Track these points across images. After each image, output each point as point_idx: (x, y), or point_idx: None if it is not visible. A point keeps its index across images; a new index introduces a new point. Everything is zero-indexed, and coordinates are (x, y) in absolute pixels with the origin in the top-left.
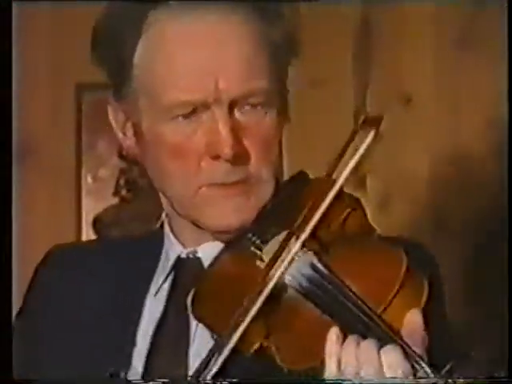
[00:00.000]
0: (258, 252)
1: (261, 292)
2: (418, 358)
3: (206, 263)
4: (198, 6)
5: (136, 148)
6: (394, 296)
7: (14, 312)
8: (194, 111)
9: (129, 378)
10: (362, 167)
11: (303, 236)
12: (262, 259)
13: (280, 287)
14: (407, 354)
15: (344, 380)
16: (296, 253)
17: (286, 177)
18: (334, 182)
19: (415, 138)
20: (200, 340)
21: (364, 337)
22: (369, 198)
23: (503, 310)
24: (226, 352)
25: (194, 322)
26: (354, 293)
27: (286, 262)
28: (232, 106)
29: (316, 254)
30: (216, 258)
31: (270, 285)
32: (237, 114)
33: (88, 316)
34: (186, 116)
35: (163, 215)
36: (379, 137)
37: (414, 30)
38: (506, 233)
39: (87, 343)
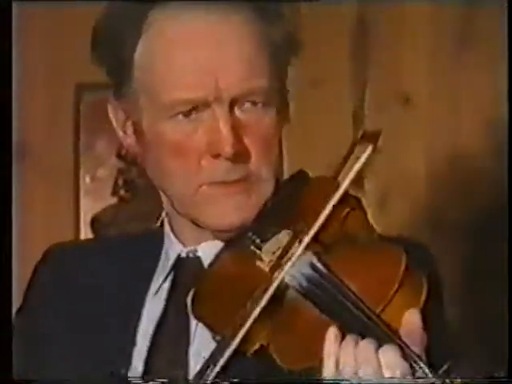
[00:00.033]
0: (258, 251)
1: (264, 292)
2: (416, 358)
3: (206, 262)
4: (198, 6)
5: (136, 147)
6: (393, 295)
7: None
8: (194, 109)
9: (129, 378)
10: (361, 170)
11: (306, 239)
12: (261, 258)
13: (282, 287)
14: (405, 353)
15: (342, 380)
16: (299, 255)
17: (285, 176)
18: (337, 183)
19: (414, 138)
20: (200, 339)
21: (363, 336)
22: (367, 197)
23: (503, 309)
24: (228, 352)
25: (193, 322)
26: (353, 292)
27: (289, 265)
28: (232, 104)
29: (316, 253)
30: (216, 257)
31: (273, 286)
32: (237, 112)
33: (88, 315)
34: (186, 114)
35: (163, 214)
36: (377, 151)
37: (412, 30)
38: (506, 233)
39: (87, 343)
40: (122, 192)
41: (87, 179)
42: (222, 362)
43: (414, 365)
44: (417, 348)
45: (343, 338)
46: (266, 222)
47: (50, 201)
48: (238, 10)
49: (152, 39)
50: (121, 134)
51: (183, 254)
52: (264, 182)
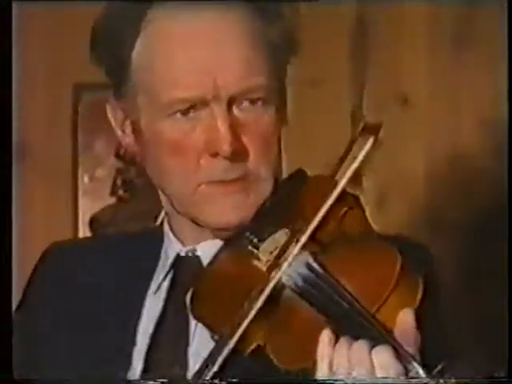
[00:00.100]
0: (255, 251)
1: (261, 292)
2: (409, 358)
3: (205, 261)
4: (197, 5)
5: (135, 146)
6: (388, 295)
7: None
8: (192, 108)
9: (128, 378)
10: (360, 168)
11: (303, 239)
12: (258, 258)
13: (278, 287)
14: (399, 353)
15: (336, 380)
16: (295, 255)
17: (285, 176)
18: (335, 182)
19: (413, 138)
20: (199, 339)
21: (358, 337)
22: (366, 196)
23: (503, 309)
24: (225, 352)
25: (193, 321)
26: (348, 292)
27: (286, 264)
28: (231, 102)
29: (312, 253)
30: (215, 257)
31: (270, 286)
32: (235, 110)
33: (87, 315)
34: (184, 113)
35: (163, 213)
36: (378, 144)
37: (411, 30)
38: (506, 232)
39: (86, 341)
40: (120, 192)
41: (86, 179)
42: (219, 361)
43: (408, 365)
44: (411, 348)
45: (337, 340)
46: (265, 221)
47: (49, 201)
48: (236, 8)
49: (150, 38)
50: (119, 133)
51: (182, 253)
52: (262, 181)
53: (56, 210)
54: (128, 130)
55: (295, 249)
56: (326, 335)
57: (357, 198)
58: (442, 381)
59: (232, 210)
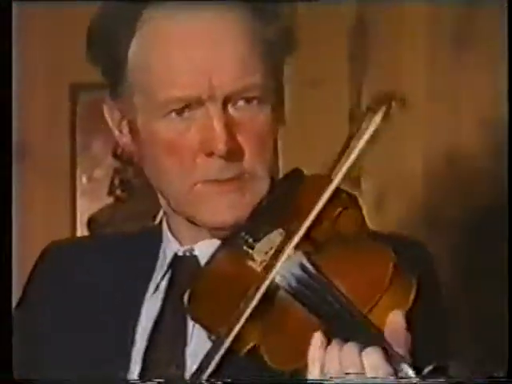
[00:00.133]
0: (250, 251)
1: (256, 292)
2: (399, 359)
3: (203, 261)
4: (193, 4)
5: (132, 145)
6: (381, 296)
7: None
8: (187, 107)
9: (126, 379)
10: (358, 166)
11: (296, 238)
12: (253, 258)
13: (273, 288)
14: (389, 354)
15: (325, 380)
16: (289, 255)
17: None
18: (331, 181)
19: (412, 138)
20: (197, 339)
21: (349, 338)
22: (364, 196)
23: (503, 309)
24: (221, 352)
25: (191, 321)
26: (341, 293)
27: (278, 265)
28: (226, 102)
29: (306, 253)
30: (212, 257)
31: (264, 285)
32: (231, 109)
33: (87, 314)
34: (179, 112)
35: (161, 212)
36: (388, 119)
37: (411, 30)
38: (505, 232)
39: (85, 341)
40: (118, 192)
41: (84, 179)
42: (215, 361)
43: (397, 366)
44: (401, 349)
45: (329, 342)
46: (261, 220)
47: (47, 201)
48: (232, 8)
49: (146, 38)
50: (116, 133)
51: (180, 253)
52: (258, 181)
53: (55, 210)
54: (125, 129)
55: (290, 247)
56: (317, 338)
57: (353, 198)
58: (431, 381)
59: (227, 209)
